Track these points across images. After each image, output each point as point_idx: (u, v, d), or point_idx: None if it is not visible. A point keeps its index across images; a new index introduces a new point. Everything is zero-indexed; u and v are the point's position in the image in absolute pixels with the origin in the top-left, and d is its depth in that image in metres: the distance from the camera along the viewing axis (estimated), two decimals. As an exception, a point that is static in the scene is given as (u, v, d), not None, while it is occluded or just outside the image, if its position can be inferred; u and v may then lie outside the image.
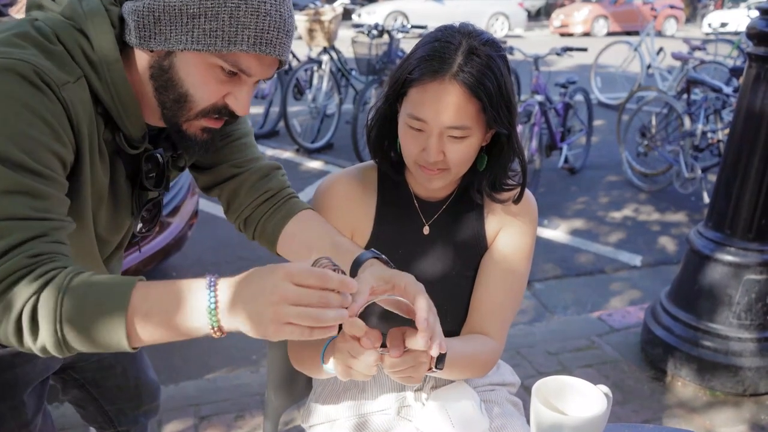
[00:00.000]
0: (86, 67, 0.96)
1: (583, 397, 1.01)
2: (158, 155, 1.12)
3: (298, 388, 1.51)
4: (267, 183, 1.24)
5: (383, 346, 0.95)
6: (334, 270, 0.90)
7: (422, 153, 1.14)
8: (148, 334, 0.83)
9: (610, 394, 1.01)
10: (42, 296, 0.80)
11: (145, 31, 0.96)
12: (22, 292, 0.80)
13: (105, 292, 0.82)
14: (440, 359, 1.02)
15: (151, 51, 0.97)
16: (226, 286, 0.82)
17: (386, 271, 1.00)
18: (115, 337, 0.81)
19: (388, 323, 1.02)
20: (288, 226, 1.20)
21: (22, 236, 0.83)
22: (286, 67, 5.80)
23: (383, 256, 1.09)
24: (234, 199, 1.25)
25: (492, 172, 1.22)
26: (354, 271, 1.06)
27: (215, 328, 0.81)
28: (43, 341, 0.82)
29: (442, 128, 1.11)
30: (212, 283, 0.81)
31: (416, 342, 0.94)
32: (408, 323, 0.98)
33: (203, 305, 0.81)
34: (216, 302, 0.80)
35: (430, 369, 1.03)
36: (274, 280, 0.79)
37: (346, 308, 0.83)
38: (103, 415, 1.54)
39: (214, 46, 0.94)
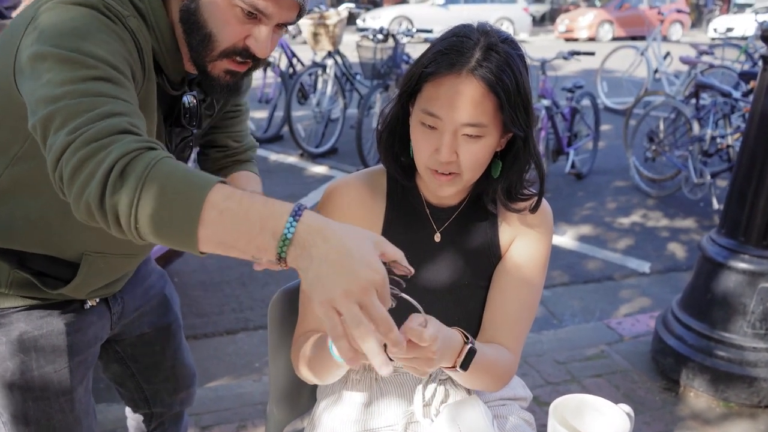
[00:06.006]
0: (135, 14, 1.04)
1: (603, 417, 0.95)
2: (193, 95, 1.22)
3: (302, 401, 1.46)
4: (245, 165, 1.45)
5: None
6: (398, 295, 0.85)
7: (434, 154, 1.09)
8: (217, 234, 0.79)
9: (632, 414, 0.96)
10: (142, 155, 0.82)
11: None
12: (126, 146, 0.82)
13: (194, 176, 0.81)
14: (468, 359, 1.02)
15: None
16: (311, 222, 0.77)
17: None
18: (187, 222, 0.78)
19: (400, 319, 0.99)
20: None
21: (115, 108, 0.87)
22: (309, 12, 5.60)
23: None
24: (206, 162, 1.46)
25: (507, 179, 1.17)
26: None
27: (282, 259, 0.77)
28: (116, 202, 0.81)
29: (456, 125, 1.06)
30: (298, 212, 0.77)
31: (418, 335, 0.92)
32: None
33: (279, 230, 0.76)
34: (293, 234, 0.76)
35: (454, 368, 1.03)
36: (363, 272, 0.75)
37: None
38: (139, 393, 1.58)
39: None
